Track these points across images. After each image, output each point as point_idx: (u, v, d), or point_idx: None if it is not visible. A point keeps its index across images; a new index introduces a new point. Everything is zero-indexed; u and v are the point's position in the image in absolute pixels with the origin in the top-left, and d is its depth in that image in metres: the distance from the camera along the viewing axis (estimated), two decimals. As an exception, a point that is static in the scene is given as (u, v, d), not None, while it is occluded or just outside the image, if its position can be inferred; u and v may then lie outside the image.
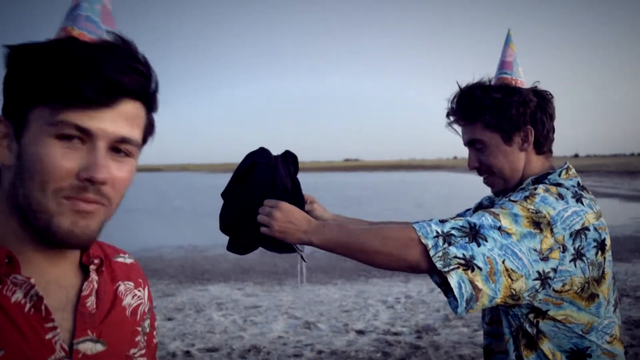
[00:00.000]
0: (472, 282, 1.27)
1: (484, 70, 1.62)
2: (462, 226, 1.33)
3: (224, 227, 1.55)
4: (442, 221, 1.36)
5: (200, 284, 7.95)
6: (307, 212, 1.55)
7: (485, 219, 1.34)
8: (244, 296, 7.10)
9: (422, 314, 6.04)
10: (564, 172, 1.51)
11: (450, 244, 1.30)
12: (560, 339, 1.38)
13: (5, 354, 0.72)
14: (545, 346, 1.39)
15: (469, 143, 1.59)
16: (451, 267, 1.28)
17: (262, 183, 1.49)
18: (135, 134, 0.81)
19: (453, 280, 1.27)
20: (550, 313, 1.36)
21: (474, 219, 1.35)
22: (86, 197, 0.76)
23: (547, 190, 1.41)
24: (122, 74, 0.76)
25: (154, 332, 1.02)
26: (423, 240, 1.31)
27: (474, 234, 1.32)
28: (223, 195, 1.55)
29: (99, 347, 0.82)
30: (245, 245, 1.56)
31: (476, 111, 1.53)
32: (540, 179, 1.52)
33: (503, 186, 1.58)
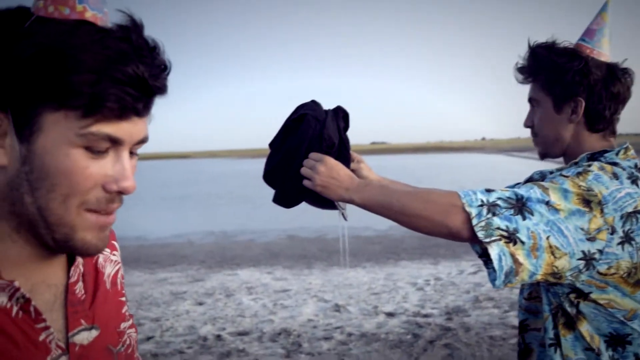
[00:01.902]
0: (513, 256, 1.23)
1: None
2: (509, 197, 1.28)
3: (268, 177, 1.55)
4: (489, 190, 1.31)
5: (230, 269, 8.03)
6: (352, 170, 1.52)
7: (533, 191, 1.29)
8: (274, 280, 7.14)
9: (451, 296, 5.98)
10: (622, 152, 1.43)
11: (494, 214, 1.26)
12: (600, 322, 1.33)
13: None
14: (584, 328, 1.34)
15: (529, 100, 1.57)
16: (493, 238, 1.23)
17: (309, 136, 1.48)
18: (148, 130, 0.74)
19: (493, 251, 1.23)
20: (593, 296, 1.31)
21: (522, 190, 1.30)
22: (112, 208, 0.71)
23: (601, 169, 1.34)
24: (156, 78, 0.67)
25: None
26: (467, 208, 1.26)
27: (520, 206, 1.27)
28: (271, 144, 1.55)
29: (94, 333, 0.79)
30: (289, 198, 1.56)
31: (535, 70, 1.51)
32: (596, 156, 1.44)
33: (544, 151, 1.56)
